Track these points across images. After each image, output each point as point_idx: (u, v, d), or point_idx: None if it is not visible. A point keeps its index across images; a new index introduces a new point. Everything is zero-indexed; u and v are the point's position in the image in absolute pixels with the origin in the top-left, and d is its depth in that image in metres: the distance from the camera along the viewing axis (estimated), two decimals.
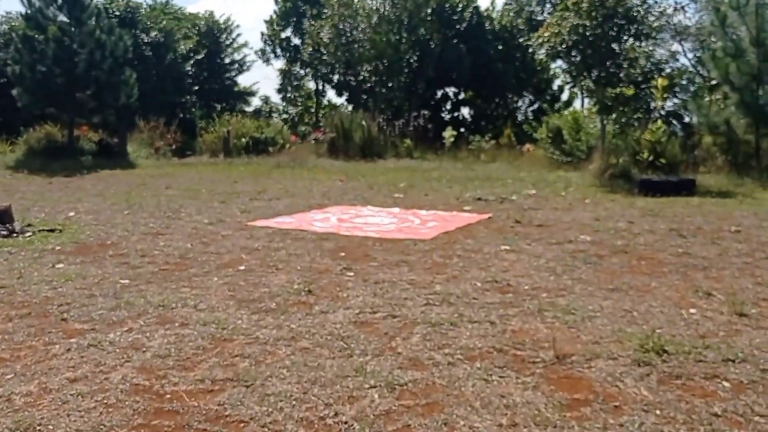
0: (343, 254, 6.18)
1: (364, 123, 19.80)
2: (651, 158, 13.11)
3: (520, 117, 27.11)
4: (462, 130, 23.80)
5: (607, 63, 15.24)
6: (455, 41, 25.11)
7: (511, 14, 27.40)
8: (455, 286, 4.99)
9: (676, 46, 22.07)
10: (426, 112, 22.78)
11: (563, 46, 14.45)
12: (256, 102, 32.10)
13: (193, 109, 27.62)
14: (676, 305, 4.59)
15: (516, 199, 10.34)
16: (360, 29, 25.51)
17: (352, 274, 5.39)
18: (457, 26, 25.35)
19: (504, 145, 19.59)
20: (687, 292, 4.95)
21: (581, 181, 12.72)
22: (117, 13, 25.33)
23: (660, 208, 9.27)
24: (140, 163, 18.13)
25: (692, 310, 4.48)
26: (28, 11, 18.15)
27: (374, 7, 25.08)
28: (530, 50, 22.32)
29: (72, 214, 8.55)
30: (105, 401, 3.00)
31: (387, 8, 24.75)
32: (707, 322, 4.23)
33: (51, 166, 16.05)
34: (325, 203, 9.90)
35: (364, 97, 25.99)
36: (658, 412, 2.93)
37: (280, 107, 32.41)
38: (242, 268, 5.61)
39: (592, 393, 3.13)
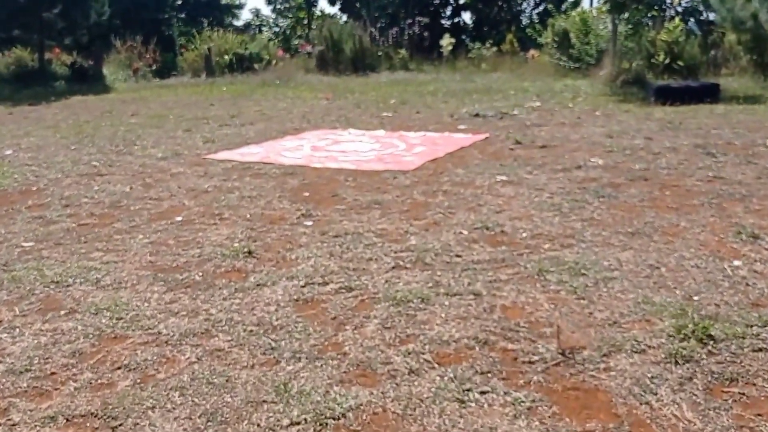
0: (306, 194, 5.16)
1: (355, 33, 18.31)
2: (667, 61, 11.88)
3: (524, 21, 25.30)
4: (463, 37, 22.16)
5: None
6: None
7: None
8: (435, 238, 3.98)
9: None
10: (423, 19, 21.12)
11: None
12: (246, 15, 30.25)
13: (178, 26, 25.98)
14: (714, 255, 3.59)
15: (518, 113, 9.20)
16: None
17: (310, 223, 4.38)
18: None
19: (506, 53, 18.09)
20: (726, 234, 3.93)
21: (591, 90, 11.48)
22: None
23: (681, 119, 8.13)
24: (117, 86, 16.86)
25: (736, 263, 3.48)
26: None
27: None
28: None
29: (9, 152, 7.48)
30: None
31: None
32: (758, 280, 3.23)
33: (20, 93, 14.87)
34: (303, 127, 8.78)
35: (358, 5, 24.22)
36: None
37: (270, 20, 30.50)
38: (179, 219, 4.61)
39: (613, 418, 2.17)
